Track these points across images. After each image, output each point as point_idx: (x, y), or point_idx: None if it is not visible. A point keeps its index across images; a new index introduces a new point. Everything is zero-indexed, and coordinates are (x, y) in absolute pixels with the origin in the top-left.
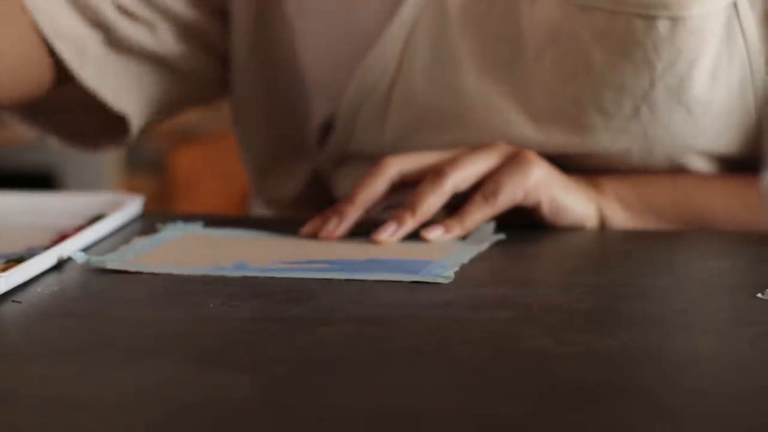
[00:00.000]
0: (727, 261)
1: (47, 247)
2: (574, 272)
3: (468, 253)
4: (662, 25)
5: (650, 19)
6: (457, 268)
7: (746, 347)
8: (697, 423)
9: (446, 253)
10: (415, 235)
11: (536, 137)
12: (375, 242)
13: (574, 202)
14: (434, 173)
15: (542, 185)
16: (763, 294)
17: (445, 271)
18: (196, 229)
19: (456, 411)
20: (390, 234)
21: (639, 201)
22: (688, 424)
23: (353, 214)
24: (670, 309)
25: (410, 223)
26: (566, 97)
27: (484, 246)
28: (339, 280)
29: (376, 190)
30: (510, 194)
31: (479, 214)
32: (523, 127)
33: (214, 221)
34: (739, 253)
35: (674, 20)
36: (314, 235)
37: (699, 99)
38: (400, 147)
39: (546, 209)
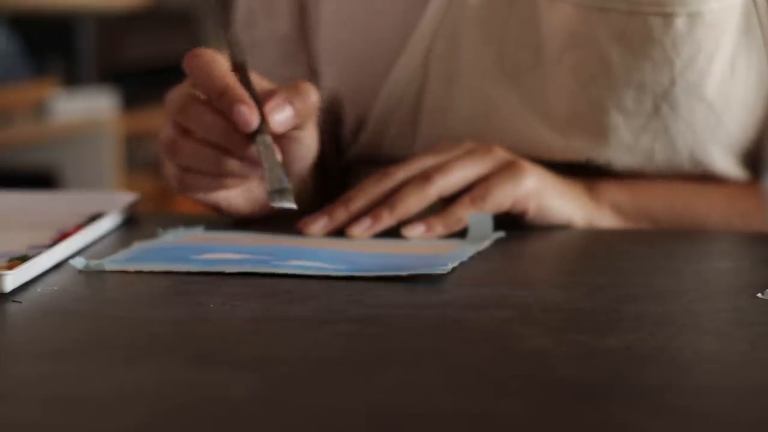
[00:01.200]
0: (728, 261)
1: (49, 245)
2: (574, 272)
3: (468, 251)
4: (680, 22)
5: (668, 16)
6: (456, 264)
7: (747, 347)
8: (698, 423)
9: (446, 252)
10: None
11: (558, 143)
12: (348, 236)
13: (562, 208)
14: (421, 176)
15: (532, 194)
16: (763, 294)
17: (443, 266)
18: (197, 233)
19: (456, 411)
20: (364, 229)
21: (635, 208)
22: (689, 423)
23: (343, 216)
24: (670, 309)
25: (386, 221)
26: (587, 100)
27: (485, 244)
28: (339, 280)
29: (370, 197)
30: (498, 200)
31: (464, 216)
32: (546, 133)
33: (214, 223)
34: (740, 254)
35: (692, 16)
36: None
37: (719, 92)
38: None
39: (530, 217)
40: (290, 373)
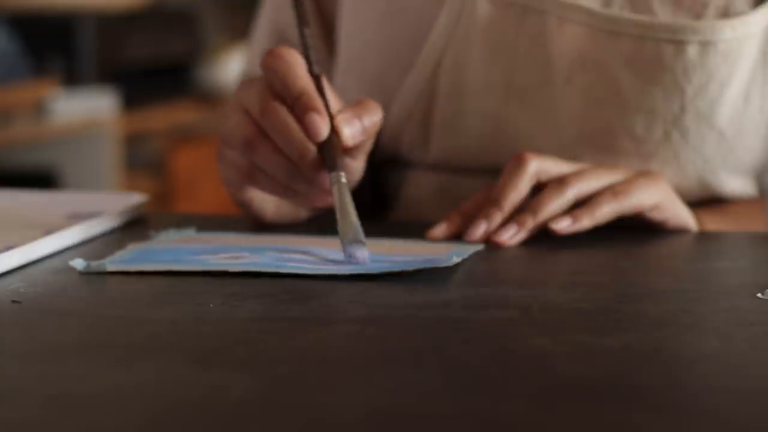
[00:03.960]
0: (728, 261)
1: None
2: (574, 272)
3: (468, 251)
4: (692, 50)
5: (680, 44)
6: (459, 260)
7: (746, 347)
8: (698, 423)
9: (445, 252)
10: (418, 236)
11: (576, 160)
12: (497, 245)
13: (688, 217)
14: (559, 181)
15: (671, 204)
16: (763, 294)
17: (448, 261)
18: (189, 234)
19: (456, 411)
20: (511, 235)
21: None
22: (688, 423)
23: (499, 218)
24: (670, 309)
25: (530, 225)
26: (596, 123)
27: (481, 246)
28: (339, 280)
29: (521, 192)
30: (640, 198)
31: (608, 208)
32: (554, 153)
33: (212, 223)
34: (740, 254)
35: (704, 45)
36: (447, 238)
37: (731, 122)
38: (443, 168)
39: (672, 226)
40: (290, 373)
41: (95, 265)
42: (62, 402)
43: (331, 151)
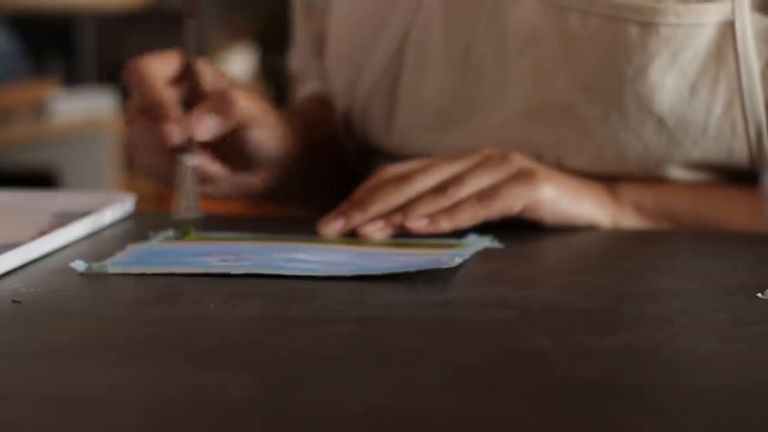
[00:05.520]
0: (728, 261)
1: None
2: (574, 272)
3: (470, 250)
4: (632, 30)
5: (620, 22)
6: (460, 260)
7: (746, 347)
8: (697, 423)
9: (449, 250)
10: (417, 236)
11: (514, 137)
12: (359, 236)
13: (582, 211)
14: (437, 189)
15: (546, 202)
16: (763, 294)
17: (450, 261)
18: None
19: (456, 411)
20: (376, 229)
21: (658, 209)
22: (688, 424)
23: (359, 219)
24: (670, 309)
25: (397, 226)
26: (541, 98)
27: (485, 243)
28: (339, 280)
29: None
30: (507, 202)
31: (470, 213)
32: (503, 127)
33: (210, 223)
34: (739, 254)
35: (645, 26)
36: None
37: (673, 111)
38: (408, 145)
39: (549, 223)
40: (290, 373)
41: (96, 266)
42: (62, 402)
43: (187, 139)
